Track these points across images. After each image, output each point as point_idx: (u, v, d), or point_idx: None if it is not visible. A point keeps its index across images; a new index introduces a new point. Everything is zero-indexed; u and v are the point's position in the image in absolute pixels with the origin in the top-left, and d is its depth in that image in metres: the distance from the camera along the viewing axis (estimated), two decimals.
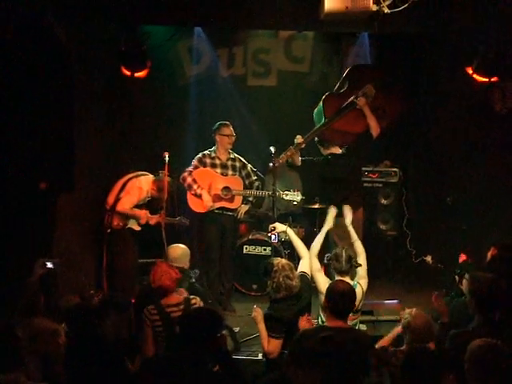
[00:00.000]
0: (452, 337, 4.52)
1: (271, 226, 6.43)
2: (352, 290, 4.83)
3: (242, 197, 7.64)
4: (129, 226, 7.47)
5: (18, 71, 6.44)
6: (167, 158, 7.20)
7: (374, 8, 5.63)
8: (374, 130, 7.10)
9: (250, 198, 7.73)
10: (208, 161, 7.68)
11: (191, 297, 5.28)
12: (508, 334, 4.32)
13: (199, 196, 7.52)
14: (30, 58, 6.46)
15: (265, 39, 9.13)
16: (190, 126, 8.83)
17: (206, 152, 7.73)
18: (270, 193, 7.18)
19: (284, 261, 5.54)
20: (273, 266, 5.43)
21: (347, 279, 5.60)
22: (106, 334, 4.95)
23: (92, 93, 7.68)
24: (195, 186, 7.53)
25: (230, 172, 7.67)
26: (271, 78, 9.35)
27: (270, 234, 6.81)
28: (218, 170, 7.67)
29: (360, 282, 5.72)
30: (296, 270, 5.56)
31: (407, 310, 4.68)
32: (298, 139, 7.02)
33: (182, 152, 8.21)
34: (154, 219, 7.39)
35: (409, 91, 8.23)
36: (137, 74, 7.48)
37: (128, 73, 7.45)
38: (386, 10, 5.62)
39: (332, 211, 6.60)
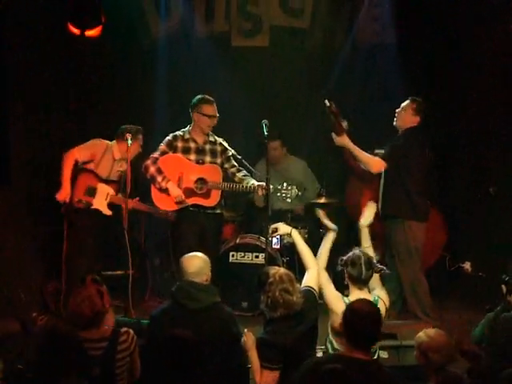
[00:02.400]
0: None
1: (273, 226, 6.35)
2: (378, 312, 4.74)
3: (220, 191, 7.56)
4: (95, 206, 7.51)
5: None
6: (130, 141, 7.26)
7: None
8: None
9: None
10: (180, 144, 7.60)
11: (122, 330, 5.05)
12: None
13: (165, 190, 7.46)
14: None
15: None
16: (157, 100, 8.86)
17: (178, 133, 7.64)
18: (264, 184, 7.13)
19: (283, 270, 5.50)
20: (268, 276, 5.38)
21: (365, 292, 5.67)
22: None
23: (31, 59, 7.67)
24: (159, 178, 7.47)
25: (207, 158, 7.61)
26: (262, 36, 9.45)
27: (270, 238, 6.84)
28: (192, 157, 7.59)
29: (380, 295, 5.69)
30: (298, 282, 5.54)
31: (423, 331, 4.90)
32: None
33: (149, 133, 8.14)
34: (130, 202, 7.45)
35: (435, 51, 8.27)
36: (88, 33, 7.42)
37: (77, 31, 7.37)
38: None
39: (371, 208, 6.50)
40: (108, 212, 7.51)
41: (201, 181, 7.48)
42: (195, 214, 7.54)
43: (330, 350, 5.62)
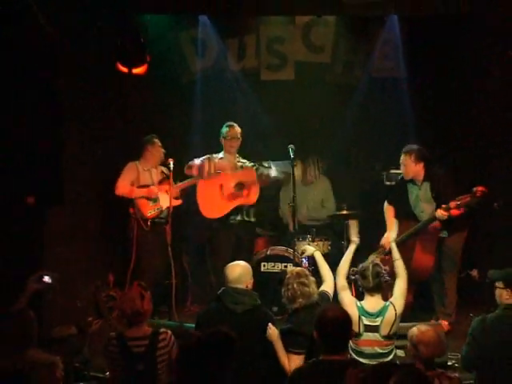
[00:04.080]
0: None
1: (302, 248, 6.97)
2: (346, 316, 4.81)
3: (258, 189, 7.77)
4: (165, 206, 7.83)
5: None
6: (172, 166, 7.37)
7: None
8: None
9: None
10: (217, 160, 7.87)
11: (161, 330, 5.15)
12: None
13: (216, 173, 7.77)
14: (11, 55, 6.56)
15: (280, 26, 9.33)
16: (195, 129, 8.88)
17: (214, 155, 7.91)
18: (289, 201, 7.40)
19: (298, 268, 5.97)
20: (286, 273, 5.79)
21: (377, 298, 5.81)
22: None
23: (83, 93, 7.86)
24: (207, 167, 7.77)
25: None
26: (288, 70, 9.50)
27: (301, 258, 7.49)
28: (228, 172, 7.88)
29: (394, 302, 5.76)
30: (311, 276, 5.82)
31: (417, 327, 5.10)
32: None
33: (188, 159, 8.24)
34: (177, 187, 7.84)
35: (444, 82, 8.31)
36: (135, 71, 7.48)
37: (125, 69, 7.44)
38: None
39: (354, 224, 6.67)
40: (178, 202, 7.81)
41: (239, 185, 7.79)
42: (231, 226, 7.76)
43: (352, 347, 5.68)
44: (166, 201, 7.75)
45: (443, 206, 7.02)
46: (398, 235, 7.46)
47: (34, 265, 6.59)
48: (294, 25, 9.29)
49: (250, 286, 5.87)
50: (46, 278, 5.68)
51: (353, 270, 6.17)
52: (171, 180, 7.56)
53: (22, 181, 6.71)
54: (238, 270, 5.86)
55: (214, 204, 7.76)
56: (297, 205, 7.44)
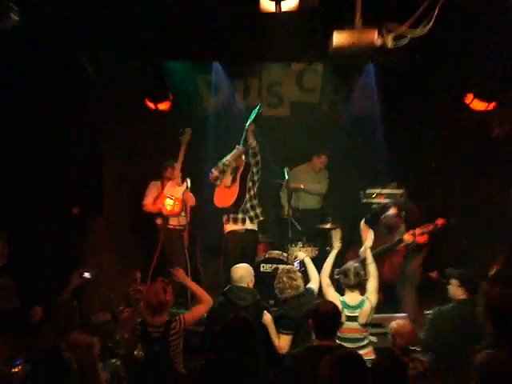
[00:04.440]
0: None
1: (295, 254, 7.45)
2: (336, 309, 5.07)
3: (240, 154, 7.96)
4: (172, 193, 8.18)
5: (52, 105, 6.95)
6: (189, 184, 7.52)
7: (379, 43, 5.88)
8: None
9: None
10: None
11: (173, 318, 5.44)
12: None
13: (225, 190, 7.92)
14: (62, 91, 7.03)
15: (278, 72, 9.76)
16: (208, 157, 8.97)
17: None
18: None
19: (288, 266, 6.49)
20: (278, 270, 6.36)
21: (356, 294, 6.18)
22: None
23: (117, 124, 8.34)
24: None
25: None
26: (284, 108, 9.99)
27: (294, 262, 7.66)
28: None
29: (369, 297, 5.98)
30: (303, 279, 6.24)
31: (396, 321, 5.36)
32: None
33: (201, 177, 8.41)
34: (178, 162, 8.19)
35: (412, 119, 8.62)
36: (160, 107, 7.66)
37: (152, 105, 7.61)
38: (390, 45, 5.86)
39: (337, 233, 6.83)
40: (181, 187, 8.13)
41: (232, 170, 7.90)
42: (239, 234, 7.95)
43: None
44: (177, 193, 8.08)
45: (410, 231, 7.40)
46: (373, 248, 7.61)
47: (76, 264, 6.85)
48: (289, 70, 9.66)
49: (251, 285, 6.30)
50: (86, 274, 5.91)
51: (336, 271, 6.51)
52: (188, 192, 7.91)
53: (68, 194, 7.04)
54: (241, 272, 6.27)
55: (230, 194, 7.80)
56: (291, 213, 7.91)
